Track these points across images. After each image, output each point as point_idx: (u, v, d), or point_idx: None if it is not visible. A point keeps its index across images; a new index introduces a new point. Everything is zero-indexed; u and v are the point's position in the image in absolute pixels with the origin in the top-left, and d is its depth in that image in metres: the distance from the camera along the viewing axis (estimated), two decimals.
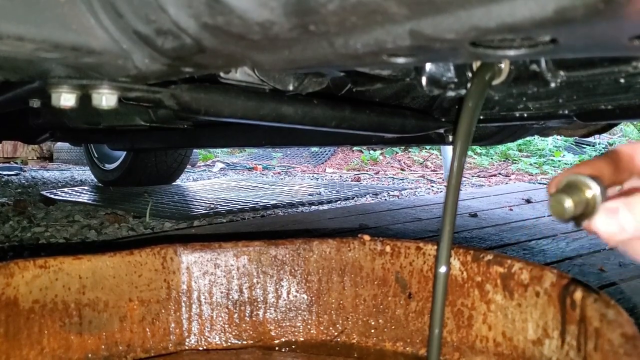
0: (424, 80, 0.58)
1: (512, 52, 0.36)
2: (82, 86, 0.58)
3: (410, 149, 4.79)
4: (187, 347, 0.72)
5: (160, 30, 0.43)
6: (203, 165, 4.60)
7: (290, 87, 0.77)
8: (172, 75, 0.53)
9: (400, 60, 0.40)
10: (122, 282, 0.70)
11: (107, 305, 0.68)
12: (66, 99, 0.58)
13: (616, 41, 0.32)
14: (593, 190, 0.37)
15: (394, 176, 3.76)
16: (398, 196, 2.59)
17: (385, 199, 2.46)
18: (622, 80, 0.59)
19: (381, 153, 4.79)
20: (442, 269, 0.50)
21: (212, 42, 0.42)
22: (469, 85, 0.50)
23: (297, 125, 0.79)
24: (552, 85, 0.60)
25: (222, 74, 0.72)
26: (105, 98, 0.59)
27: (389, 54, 0.39)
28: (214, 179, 3.40)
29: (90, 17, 0.45)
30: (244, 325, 0.73)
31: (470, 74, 0.56)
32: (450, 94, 0.59)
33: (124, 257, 0.70)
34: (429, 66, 0.58)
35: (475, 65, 0.50)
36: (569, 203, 0.37)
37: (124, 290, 0.70)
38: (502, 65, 0.49)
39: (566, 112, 0.77)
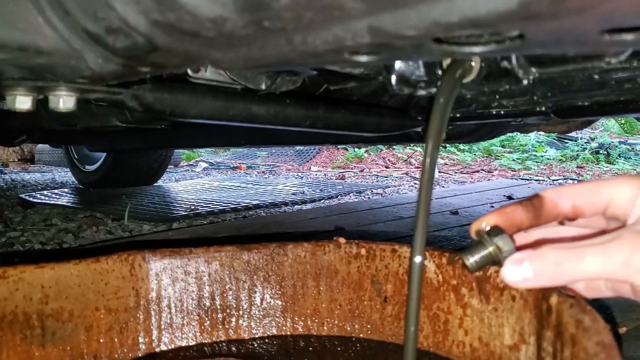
0: (393, 78, 0.56)
1: (478, 49, 0.34)
2: (38, 88, 0.56)
3: (394, 147, 4.78)
4: (157, 357, 0.69)
5: (110, 29, 0.41)
6: (186, 165, 4.56)
7: (263, 86, 0.75)
8: (129, 75, 0.50)
9: (363, 58, 0.38)
10: (87, 290, 0.67)
11: (72, 315, 0.66)
12: (21, 101, 0.55)
13: (586, 36, 0.31)
14: (493, 245, 0.43)
15: (378, 174, 3.75)
16: (381, 194, 2.57)
17: (369, 197, 2.44)
18: (596, 77, 0.57)
19: (366, 151, 4.78)
20: (417, 259, 0.47)
21: (165, 40, 0.40)
22: (439, 83, 0.49)
23: (269, 126, 0.77)
24: (525, 82, 0.58)
25: (190, 73, 0.69)
26: (63, 100, 0.56)
27: (350, 52, 0.37)
28: (196, 179, 3.36)
29: (37, 15, 0.43)
30: (216, 333, 0.71)
31: (440, 72, 0.54)
32: (421, 92, 0.57)
33: (89, 264, 0.67)
34: (398, 64, 0.56)
35: (445, 63, 0.48)
36: (470, 260, 0.44)
37: (90, 299, 0.67)
38: (473, 63, 0.48)
39: (543, 109, 0.75)
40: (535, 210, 0.44)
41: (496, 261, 0.44)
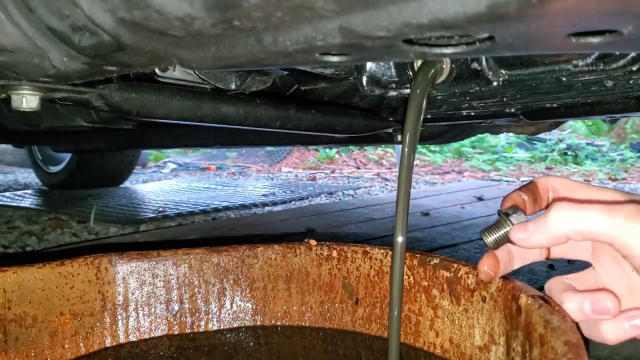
0: (364, 79, 0.56)
1: (449, 50, 0.34)
2: (0, 87, 0.54)
3: (365, 148, 4.80)
4: None
5: (76, 26, 0.40)
6: (154, 166, 4.49)
7: (233, 86, 0.74)
8: (95, 74, 0.49)
9: (334, 59, 0.37)
10: (52, 294, 0.65)
11: (36, 320, 0.64)
12: None
13: (553, 38, 0.31)
14: (509, 226, 0.46)
15: (350, 175, 3.76)
16: (352, 195, 2.58)
17: (340, 199, 2.44)
18: (563, 79, 0.58)
19: (337, 151, 4.78)
20: (399, 239, 0.50)
21: (132, 39, 0.39)
22: (411, 84, 0.49)
23: (239, 126, 0.76)
24: (495, 84, 0.59)
25: (158, 72, 0.68)
26: (26, 99, 0.55)
27: (321, 52, 0.36)
28: (164, 181, 3.32)
29: None
30: (185, 337, 0.70)
31: (411, 73, 0.54)
32: (392, 93, 0.57)
33: (54, 268, 0.66)
34: (369, 65, 0.56)
35: (416, 63, 0.48)
36: (489, 239, 0.48)
37: (55, 304, 0.65)
38: (444, 64, 0.48)
39: (512, 110, 0.76)
40: (532, 194, 0.49)
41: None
